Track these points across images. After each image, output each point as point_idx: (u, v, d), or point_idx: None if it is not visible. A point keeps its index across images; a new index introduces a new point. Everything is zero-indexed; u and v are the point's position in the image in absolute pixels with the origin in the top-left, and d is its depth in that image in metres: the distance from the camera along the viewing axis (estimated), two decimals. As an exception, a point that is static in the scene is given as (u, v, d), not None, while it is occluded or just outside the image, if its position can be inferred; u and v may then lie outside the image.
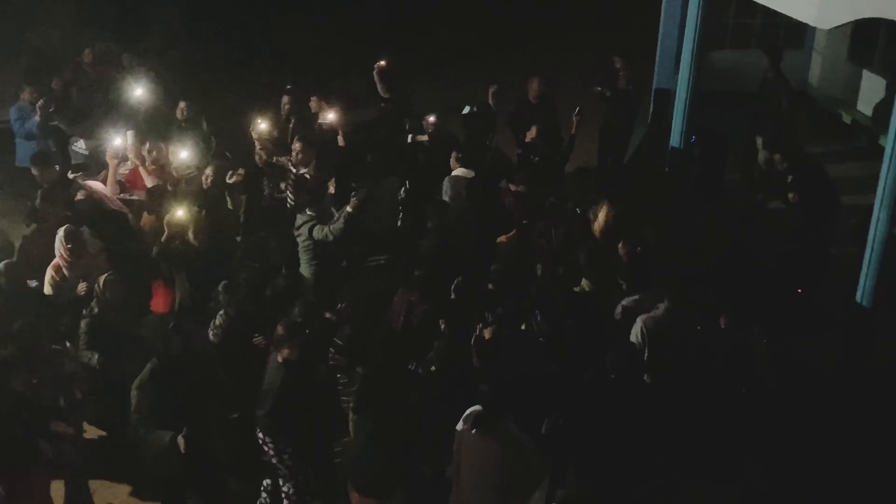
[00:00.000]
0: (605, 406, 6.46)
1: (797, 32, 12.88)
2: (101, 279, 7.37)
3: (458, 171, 9.40)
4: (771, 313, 7.84)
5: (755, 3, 9.62)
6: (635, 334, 7.18)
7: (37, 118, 10.65)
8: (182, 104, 10.72)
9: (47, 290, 7.95)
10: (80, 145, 10.37)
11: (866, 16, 7.94)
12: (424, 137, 10.49)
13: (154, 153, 9.50)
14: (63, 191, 9.15)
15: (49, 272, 7.90)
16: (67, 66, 12.24)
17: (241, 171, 9.24)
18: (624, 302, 7.57)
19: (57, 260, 7.92)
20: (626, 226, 8.56)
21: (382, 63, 11.21)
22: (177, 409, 6.43)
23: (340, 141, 10.24)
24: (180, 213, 8.28)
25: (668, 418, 6.68)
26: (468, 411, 6.15)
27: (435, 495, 6.54)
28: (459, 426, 6.17)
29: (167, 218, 8.29)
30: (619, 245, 8.14)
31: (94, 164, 10.14)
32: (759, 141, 10.94)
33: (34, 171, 9.24)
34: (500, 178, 9.77)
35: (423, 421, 6.49)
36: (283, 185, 9.55)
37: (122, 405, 7.15)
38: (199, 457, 6.58)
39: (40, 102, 10.67)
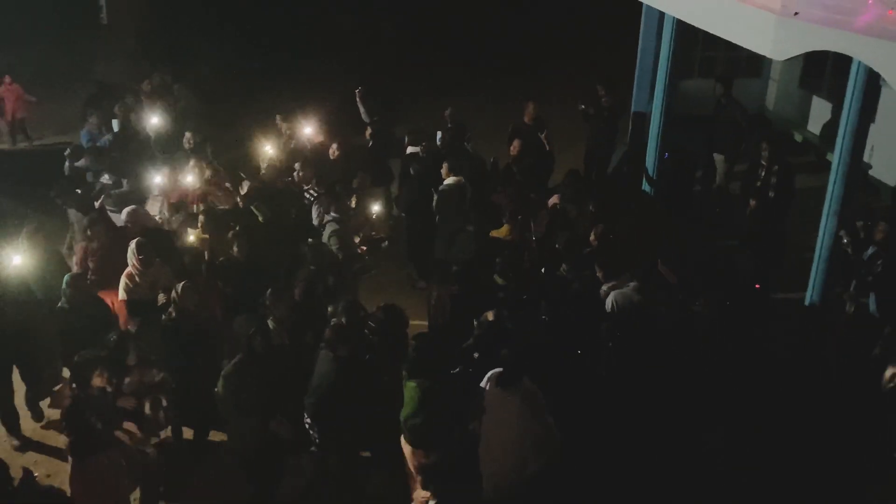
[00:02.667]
0: (605, 369, 6.75)
1: (756, 63, 13.07)
2: (179, 286, 7.41)
3: (450, 180, 9.59)
4: (731, 301, 7.98)
5: (719, 37, 9.63)
6: (607, 307, 7.52)
7: (108, 136, 10.88)
8: (188, 134, 10.77)
9: (121, 294, 8.07)
10: (104, 178, 10.37)
11: (815, 48, 7.99)
12: (417, 150, 10.64)
13: (208, 172, 9.72)
14: (105, 215, 9.37)
15: (123, 279, 8.07)
16: (129, 94, 12.30)
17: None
18: (603, 287, 7.84)
19: (129, 268, 8.08)
20: (604, 220, 8.85)
21: (361, 89, 11.35)
22: (258, 397, 6.56)
23: (332, 155, 10.44)
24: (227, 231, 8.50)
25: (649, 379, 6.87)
26: (490, 372, 6.35)
27: (465, 446, 6.39)
28: (484, 383, 6.35)
29: (211, 236, 8.51)
30: (592, 231, 8.44)
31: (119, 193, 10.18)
32: (721, 157, 11.27)
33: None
34: (486, 183, 10.02)
35: (463, 385, 6.48)
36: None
37: (196, 400, 7.26)
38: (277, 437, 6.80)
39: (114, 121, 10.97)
